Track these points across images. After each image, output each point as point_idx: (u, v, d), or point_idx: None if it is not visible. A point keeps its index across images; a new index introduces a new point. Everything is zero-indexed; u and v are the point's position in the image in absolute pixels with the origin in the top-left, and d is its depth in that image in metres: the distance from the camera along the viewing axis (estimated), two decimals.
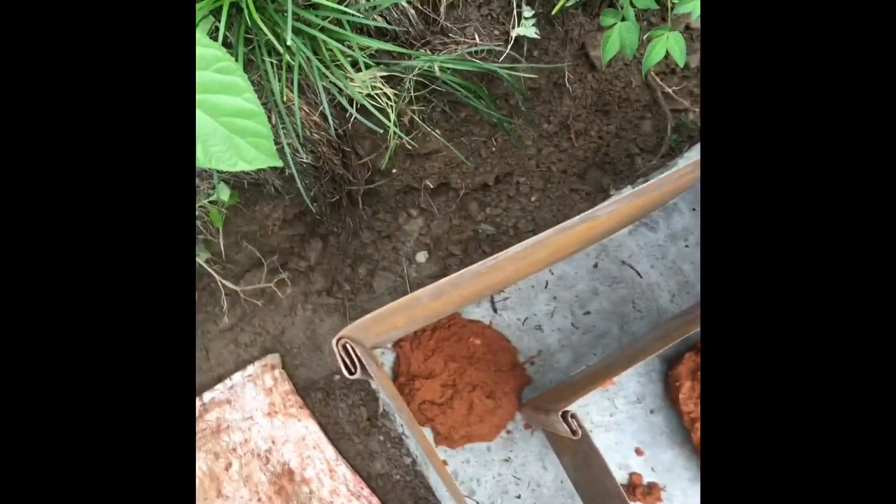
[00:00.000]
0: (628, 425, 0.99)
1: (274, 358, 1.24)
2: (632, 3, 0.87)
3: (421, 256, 1.32)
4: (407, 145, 1.18)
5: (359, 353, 0.62)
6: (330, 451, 1.21)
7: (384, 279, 1.29)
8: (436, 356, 0.98)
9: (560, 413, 0.74)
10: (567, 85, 1.22)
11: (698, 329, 0.82)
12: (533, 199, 1.27)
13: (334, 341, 0.62)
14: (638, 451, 0.99)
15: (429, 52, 1.06)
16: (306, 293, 1.32)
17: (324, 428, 1.24)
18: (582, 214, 0.66)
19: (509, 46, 1.10)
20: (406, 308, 0.69)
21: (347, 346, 0.62)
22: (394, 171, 1.24)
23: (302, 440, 1.22)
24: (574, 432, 0.73)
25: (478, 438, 0.99)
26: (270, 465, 1.20)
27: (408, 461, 1.22)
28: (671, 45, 0.81)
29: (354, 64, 1.00)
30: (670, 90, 1.23)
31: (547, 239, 0.66)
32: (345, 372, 0.62)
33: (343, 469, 1.19)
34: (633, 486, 0.97)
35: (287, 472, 1.21)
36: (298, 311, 1.32)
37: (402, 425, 1.01)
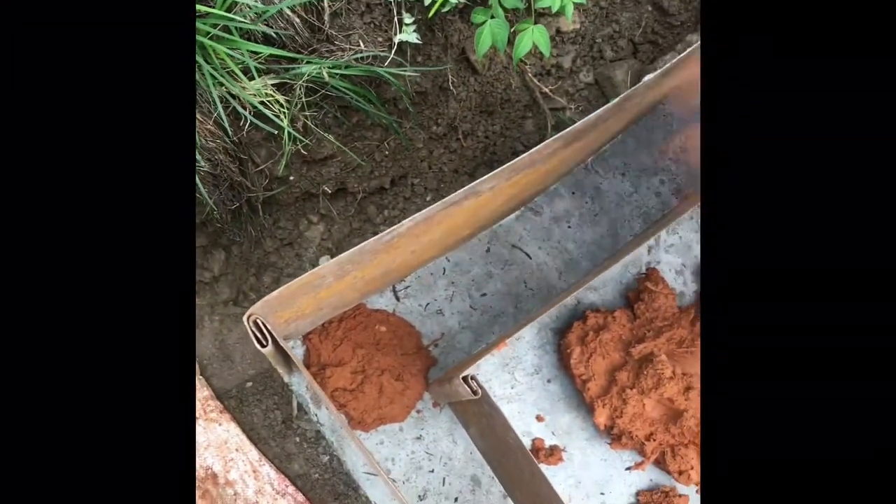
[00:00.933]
0: (528, 395, 1.07)
1: None
2: (500, 3, 0.95)
3: (324, 261, 1.36)
4: (302, 151, 1.22)
5: (269, 328, 0.66)
6: (253, 453, 1.23)
7: (278, 289, 1.32)
8: (344, 345, 1.03)
9: (461, 377, 0.80)
10: (452, 88, 1.29)
11: (577, 293, 0.90)
12: (428, 199, 1.34)
13: (245, 317, 0.66)
14: (538, 418, 1.07)
15: (317, 59, 1.11)
16: (212, 304, 1.34)
17: (243, 432, 1.26)
18: (464, 189, 0.73)
19: (393, 52, 1.17)
20: (311, 287, 0.73)
21: (258, 321, 0.66)
22: (291, 178, 1.28)
23: (224, 444, 1.23)
24: (475, 392, 0.79)
25: (389, 420, 1.04)
26: None
27: (325, 459, 1.25)
28: (537, 38, 0.89)
29: (245, 72, 1.04)
30: (548, 90, 1.33)
31: (436, 214, 0.72)
32: (256, 345, 0.66)
33: (267, 469, 1.21)
34: (536, 450, 1.04)
35: (211, 475, 1.22)
36: (206, 322, 1.34)
37: (316, 415, 1.05)
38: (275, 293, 0.68)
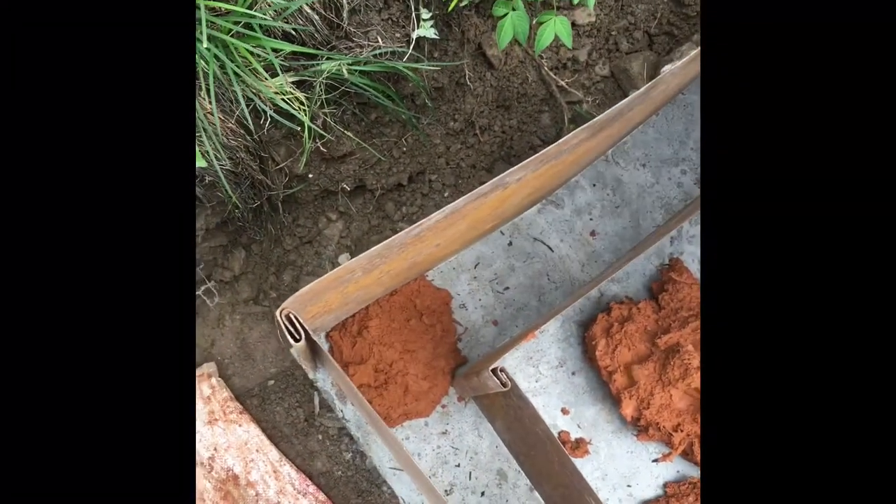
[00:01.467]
0: (553, 388, 1.06)
1: (210, 367, 1.25)
2: None
3: (343, 259, 1.36)
4: (322, 149, 1.23)
5: (302, 321, 0.66)
6: (273, 453, 1.23)
7: (309, 284, 1.32)
8: (364, 343, 1.03)
9: (490, 370, 0.80)
10: (469, 84, 1.29)
11: (601, 286, 0.90)
12: (446, 194, 1.34)
13: (277, 312, 0.66)
14: (564, 411, 1.07)
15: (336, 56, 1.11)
16: (233, 303, 1.34)
17: (264, 431, 1.26)
18: (492, 181, 0.73)
19: (411, 47, 1.17)
20: (341, 282, 0.73)
21: (290, 315, 0.66)
22: (310, 175, 1.28)
23: (244, 445, 1.23)
24: (504, 384, 0.79)
25: (415, 415, 1.04)
26: (214, 472, 1.21)
27: (348, 457, 1.25)
28: (559, 29, 0.89)
29: (266, 69, 1.04)
30: (564, 83, 1.32)
31: (463, 206, 0.72)
32: (290, 339, 0.66)
33: (287, 469, 1.22)
34: (562, 443, 1.04)
35: (232, 477, 1.22)
36: (227, 321, 1.34)
37: (341, 411, 1.05)
38: (306, 288, 0.68)
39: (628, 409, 1.01)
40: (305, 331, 0.67)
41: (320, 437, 1.28)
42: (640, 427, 1.04)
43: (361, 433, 1.04)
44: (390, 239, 0.71)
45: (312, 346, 0.74)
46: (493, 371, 0.80)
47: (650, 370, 1.00)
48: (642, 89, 0.76)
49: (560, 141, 0.75)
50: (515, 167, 0.74)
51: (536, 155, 0.74)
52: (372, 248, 0.70)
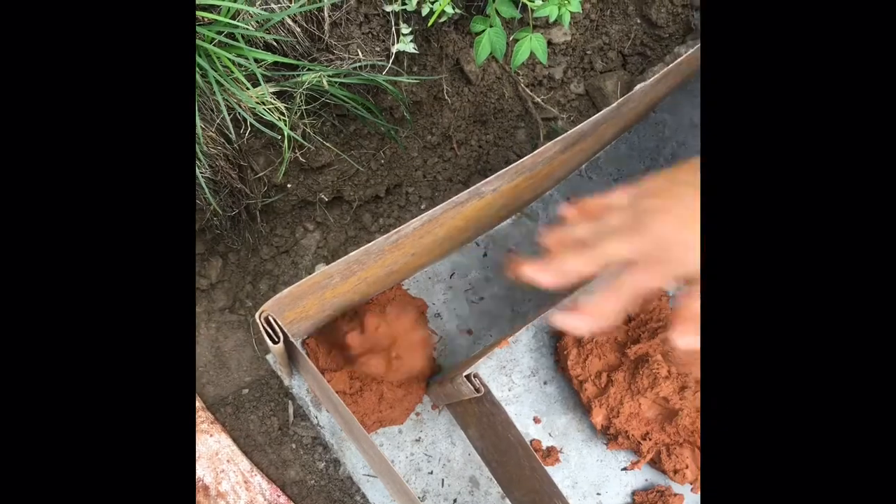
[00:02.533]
0: (525, 397, 1.08)
1: None
2: (498, 13, 0.98)
3: (319, 268, 1.37)
4: (301, 159, 1.24)
5: (281, 324, 0.68)
6: (244, 463, 1.23)
7: (288, 287, 1.33)
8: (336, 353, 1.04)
9: (464, 375, 0.82)
10: (446, 98, 1.32)
11: (575, 296, 0.92)
12: (423, 206, 1.36)
13: (257, 315, 0.67)
14: (536, 420, 1.09)
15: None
16: (209, 312, 1.35)
17: (236, 441, 1.26)
18: (468, 190, 0.75)
19: (391, 61, 1.19)
20: (319, 287, 0.75)
21: (269, 318, 0.68)
22: (288, 185, 1.29)
23: (215, 455, 1.23)
24: (478, 390, 0.81)
25: (389, 423, 1.05)
26: None
27: (321, 466, 1.26)
28: (535, 46, 0.92)
29: (248, 79, 1.06)
30: (540, 100, 1.36)
31: (440, 214, 0.74)
32: (268, 341, 0.67)
33: (258, 479, 1.22)
34: (534, 450, 1.06)
35: (202, 487, 1.22)
36: (202, 329, 1.34)
37: (316, 417, 1.06)
38: (285, 291, 0.69)
39: (598, 417, 1.03)
40: (284, 333, 0.68)
41: (294, 445, 1.28)
42: (609, 435, 1.06)
43: (336, 440, 1.05)
44: (368, 245, 0.72)
45: (290, 350, 0.76)
46: (467, 377, 0.82)
47: (620, 379, 1.02)
48: (613, 105, 0.79)
49: (534, 153, 0.77)
50: (491, 177, 0.77)
51: (511, 166, 0.77)
52: (350, 254, 0.72)
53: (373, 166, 1.32)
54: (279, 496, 1.22)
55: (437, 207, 0.73)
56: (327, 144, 1.22)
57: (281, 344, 0.70)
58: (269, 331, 0.68)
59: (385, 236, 0.72)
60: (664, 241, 0.61)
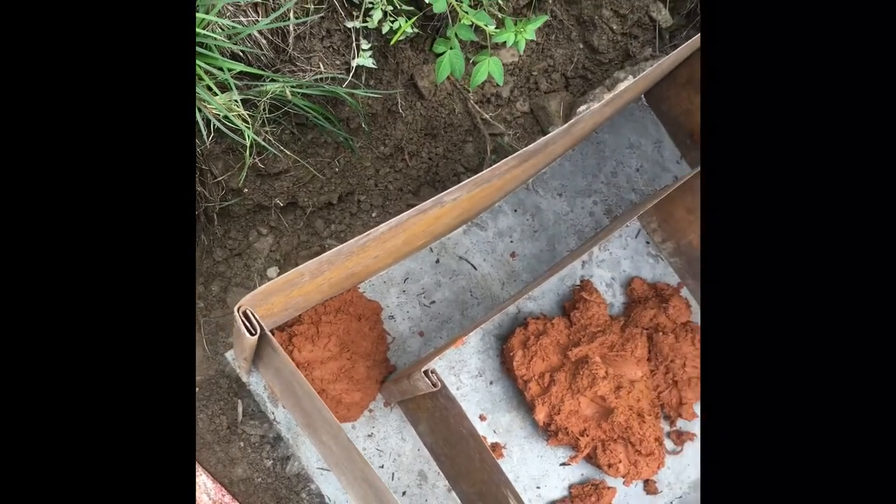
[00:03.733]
0: (472, 396, 1.15)
1: None
2: (457, 36, 1.05)
3: (272, 272, 1.41)
4: (259, 165, 1.28)
5: (258, 318, 0.72)
6: None
7: (237, 295, 1.36)
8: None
9: (423, 371, 0.88)
10: (400, 111, 1.38)
11: (518, 302, 1.00)
12: (373, 214, 1.41)
13: (235, 308, 0.72)
14: (482, 417, 1.15)
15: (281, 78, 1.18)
16: None
17: None
18: (432, 199, 0.81)
19: (351, 74, 1.25)
20: (290, 285, 0.80)
21: (247, 311, 0.72)
22: (245, 190, 1.33)
23: None
24: (434, 384, 0.87)
25: (343, 420, 1.10)
26: None
27: (268, 464, 1.29)
28: (492, 68, 1.00)
29: (216, 87, 1.09)
30: (488, 116, 1.43)
31: (406, 220, 0.81)
32: (246, 334, 0.72)
33: (204, 479, 1.24)
34: None
35: None
36: None
37: (273, 413, 1.10)
38: (260, 289, 0.74)
39: (541, 414, 1.11)
40: (261, 326, 0.73)
41: (242, 444, 1.31)
42: (550, 432, 1.13)
43: (291, 434, 1.09)
44: (340, 246, 0.78)
45: (261, 344, 0.80)
46: (425, 372, 0.88)
47: (561, 379, 1.10)
48: (565, 126, 0.86)
49: (493, 167, 0.84)
50: (453, 188, 0.83)
51: (472, 178, 0.83)
52: (323, 254, 0.77)
53: (327, 174, 1.37)
54: (224, 495, 1.24)
55: (404, 214, 0.79)
56: (286, 151, 1.26)
57: (254, 338, 0.74)
58: (247, 324, 0.72)
59: (356, 238, 0.78)
60: None
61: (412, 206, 1.42)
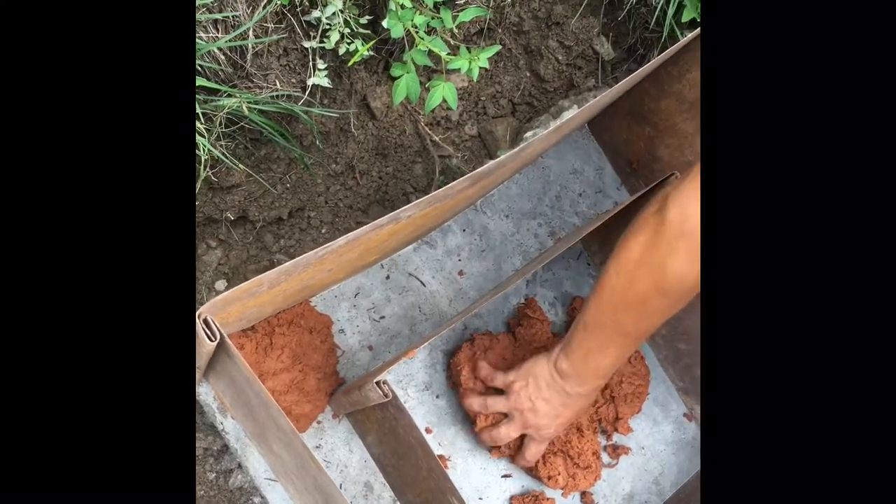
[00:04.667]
0: (419, 409, 1.18)
1: None
2: (413, 61, 1.10)
3: (220, 285, 1.42)
4: (212, 178, 1.30)
5: (218, 326, 0.74)
6: None
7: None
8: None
9: (375, 382, 0.91)
10: (352, 131, 1.41)
11: (465, 319, 1.04)
12: (323, 231, 1.44)
13: (196, 315, 0.74)
14: (427, 430, 1.18)
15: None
16: None
17: None
18: (389, 214, 0.85)
19: (307, 93, 1.28)
20: (249, 294, 0.82)
21: (207, 319, 0.74)
22: (196, 203, 1.34)
23: None
24: (386, 395, 0.90)
25: None
26: None
27: (211, 476, 1.29)
28: (447, 93, 1.04)
29: None
30: (437, 139, 1.47)
31: (364, 235, 0.84)
32: (206, 340, 0.74)
33: None
34: None
35: None
36: None
37: (222, 423, 1.11)
38: (220, 297, 0.76)
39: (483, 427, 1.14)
40: (221, 333, 0.75)
41: None
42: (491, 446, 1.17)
43: (240, 445, 1.10)
44: (298, 258, 0.80)
45: (218, 352, 0.82)
46: (377, 383, 0.91)
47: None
48: (516, 150, 0.91)
49: (447, 186, 0.88)
50: (409, 205, 0.87)
51: (427, 196, 0.87)
52: (282, 265, 0.80)
53: (279, 189, 1.39)
54: None
55: (361, 229, 0.83)
56: (240, 165, 1.28)
57: (212, 345, 0.76)
58: (208, 331, 0.74)
59: (315, 251, 0.81)
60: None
61: (361, 223, 1.46)
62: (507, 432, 1.10)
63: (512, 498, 1.21)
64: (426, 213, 0.96)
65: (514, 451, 1.17)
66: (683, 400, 1.33)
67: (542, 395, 1.05)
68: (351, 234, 0.83)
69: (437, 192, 0.88)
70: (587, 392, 1.05)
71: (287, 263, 0.80)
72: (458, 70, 1.07)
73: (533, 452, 1.12)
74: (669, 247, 0.87)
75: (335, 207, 1.45)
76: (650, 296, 0.91)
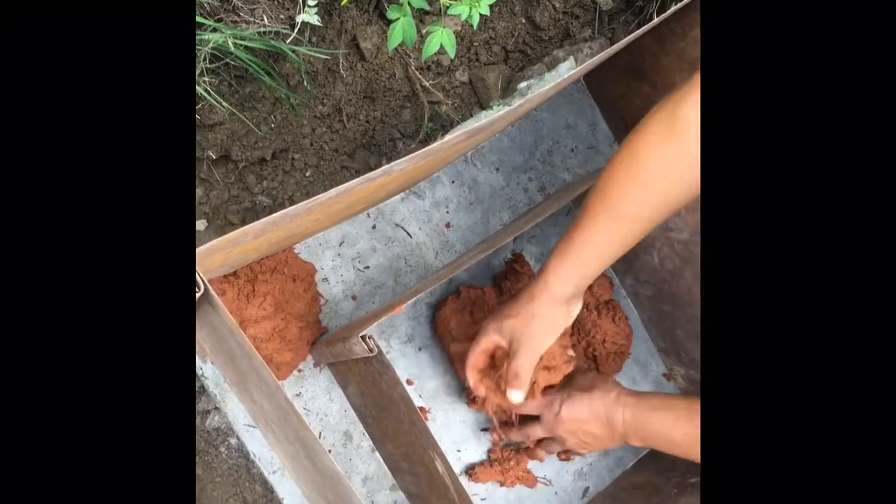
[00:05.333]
0: (401, 361, 1.18)
1: None
2: (409, 4, 1.05)
3: (200, 225, 1.39)
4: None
5: (202, 275, 0.72)
6: None
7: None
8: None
9: (359, 336, 0.89)
10: (341, 72, 1.36)
11: (456, 274, 1.02)
12: (307, 174, 1.40)
13: None
14: (409, 382, 1.18)
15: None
16: None
17: None
18: (382, 168, 0.82)
19: (295, 30, 1.23)
20: (233, 243, 0.79)
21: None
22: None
23: None
24: (371, 350, 0.89)
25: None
26: None
27: None
28: (445, 40, 1.00)
29: None
30: (427, 84, 1.43)
31: (355, 187, 0.81)
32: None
33: None
34: None
35: None
36: None
37: (201, 368, 1.09)
38: (204, 247, 0.73)
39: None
40: (206, 283, 0.72)
41: None
42: (472, 398, 1.17)
43: (219, 391, 1.09)
44: (286, 210, 0.78)
45: (202, 301, 0.80)
46: (363, 338, 0.89)
47: None
48: (514, 106, 0.88)
49: (442, 141, 0.86)
50: (402, 159, 0.84)
51: (422, 150, 0.84)
52: (270, 216, 0.77)
53: (263, 129, 1.35)
54: None
55: (353, 181, 0.80)
56: (223, 103, 1.24)
57: (198, 295, 0.74)
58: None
59: (304, 203, 0.78)
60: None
61: (347, 168, 1.42)
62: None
63: (490, 450, 1.22)
64: (419, 167, 0.93)
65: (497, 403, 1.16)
66: (664, 360, 1.34)
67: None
68: (341, 186, 0.80)
69: (432, 146, 0.86)
70: (568, 296, 1.00)
71: (275, 214, 0.78)
72: (457, 16, 1.02)
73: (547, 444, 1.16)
74: (681, 139, 0.85)
75: (320, 150, 1.41)
76: (653, 181, 0.89)
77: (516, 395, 1.02)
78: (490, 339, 1.03)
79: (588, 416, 1.07)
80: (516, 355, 1.00)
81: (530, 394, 1.05)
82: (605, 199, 0.92)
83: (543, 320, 0.98)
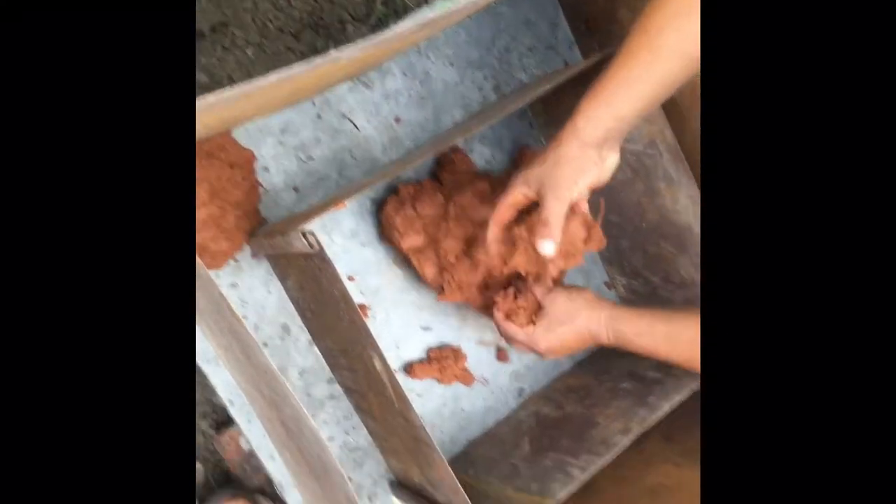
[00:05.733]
0: (343, 257, 1.15)
1: None
2: None
3: None
4: None
5: None
6: None
7: None
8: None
9: (300, 231, 0.86)
10: None
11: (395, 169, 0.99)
12: (249, 52, 1.33)
13: None
14: (350, 278, 1.16)
15: None
16: None
17: None
18: (326, 55, 0.77)
19: None
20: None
21: None
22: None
23: None
24: (312, 246, 0.86)
25: (208, 268, 1.07)
26: None
27: None
28: None
29: None
30: None
31: (295, 73, 0.76)
32: None
33: None
34: None
35: None
36: None
37: None
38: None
39: (429, 272, 1.11)
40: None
41: None
42: (440, 287, 1.14)
43: None
44: (220, 92, 0.73)
45: None
46: (303, 234, 0.86)
47: (450, 228, 1.09)
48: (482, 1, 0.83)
49: (396, 30, 0.80)
50: (351, 46, 0.79)
51: (375, 39, 0.79)
52: (203, 96, 0.72)
53: (200, 0, 1.26)
54: None
55: (298, 67, 0.75)
56: None
57: None
58: None
59: (240, 86, 0.73)
60: None
61: (291, 49, 1.35)
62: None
63: (429, 349, 1.22)
64: (368, 55, 0.88)
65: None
66: (606, 269, 1.35)
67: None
68: (283, 70, 0.75)
69: (384, 34, 0.80)
70: (599, 140, 0.92)
71: (209, 96, 0.72)
72: None
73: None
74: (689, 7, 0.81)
75: (264, 28, 1.33)
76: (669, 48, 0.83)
77: (548, 246, 0.93)
78: (517, 191, 0.95)
79: (576, 346, 1.08)
80: (544, 203, 0.92)
81: (542, 283, 1.05)
82: (646, 30, 0.84)
83: (571, 164, 0.90)
